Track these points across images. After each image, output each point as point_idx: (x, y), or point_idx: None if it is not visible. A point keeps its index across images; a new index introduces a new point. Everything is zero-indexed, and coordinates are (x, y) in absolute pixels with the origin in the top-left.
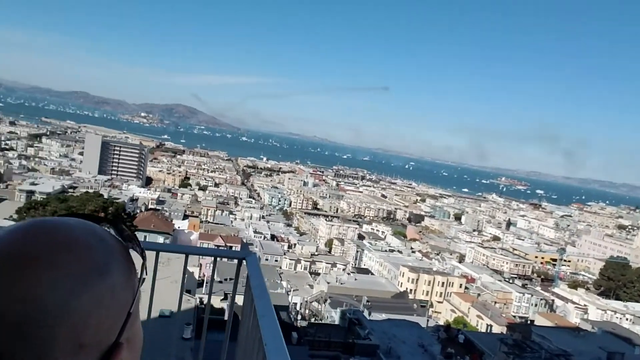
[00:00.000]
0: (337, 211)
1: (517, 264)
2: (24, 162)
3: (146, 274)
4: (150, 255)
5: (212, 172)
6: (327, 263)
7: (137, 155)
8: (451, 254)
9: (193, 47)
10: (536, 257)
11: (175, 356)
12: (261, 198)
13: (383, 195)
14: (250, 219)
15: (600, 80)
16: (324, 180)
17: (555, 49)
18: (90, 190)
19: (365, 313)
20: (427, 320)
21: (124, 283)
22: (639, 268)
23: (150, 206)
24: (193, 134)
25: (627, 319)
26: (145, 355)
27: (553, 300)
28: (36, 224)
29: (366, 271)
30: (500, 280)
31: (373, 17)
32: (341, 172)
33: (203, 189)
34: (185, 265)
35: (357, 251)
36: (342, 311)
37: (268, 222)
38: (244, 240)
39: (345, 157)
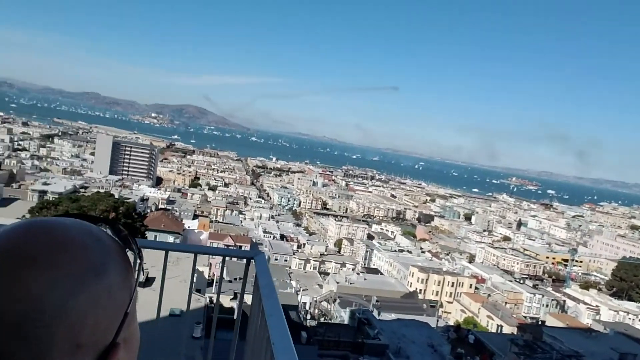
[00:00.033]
0: (346, 211)
1: (527, 265)
2: (36, 163)
3: (143, 274)
4: (159, 254)
5: (221, 172)
6: (336, 263)
7: (147, 155)
8: (461, 254)
9: (203, 48)
10: (547, 257)
11: (185, 355)
12: (270, 198)
13: (392, 195)
14: (260, 218)
15: (613, 80)
16: (333, 180)
17: (567, 48)
18: (102, 190)
19: (375, 313)
20: (437, 321)
21: (121, 283)
22: None
23: (160, 206)
24: (203, 134)
25: (639, 320)
26: (156, 354)
27: (564, 301)
28: (33, 224)
29: (375, 271)
30: (510, 281)
31: (382, 17)
32: (350, 172)
33: (213, 189)
34: (194, 264)
35: (367, 251)
36: (351, 311)
37: (277, 222)
38: (254, 240)
39: (354, 157)
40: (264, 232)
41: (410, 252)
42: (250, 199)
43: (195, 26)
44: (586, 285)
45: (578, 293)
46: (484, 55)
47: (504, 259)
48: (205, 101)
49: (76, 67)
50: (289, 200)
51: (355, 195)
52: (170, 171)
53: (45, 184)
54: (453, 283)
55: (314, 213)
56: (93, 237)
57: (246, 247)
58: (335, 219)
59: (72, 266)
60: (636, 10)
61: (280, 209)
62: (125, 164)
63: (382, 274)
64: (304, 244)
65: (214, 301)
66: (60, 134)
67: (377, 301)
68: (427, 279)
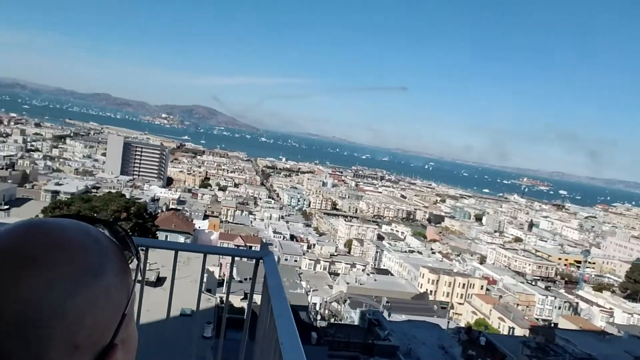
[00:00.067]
0: (356, 211)
1: (539, 266)
2: (49, 163)
3: (141, 275)
4: (169, 254)
5: (231, 172)
6: (346, 263)
7: (158, 155)
8: (472, 255)
9: (212, 48)
10: (559, 259)
11: (196, 354)
12: (280, 198)
13: (402, 196)
14: (270, 219)
15: (626, 79)
16: (343, 180)
17: (579, 46)
18: (113, 191)
19: (385, 314)
20: (448, 322)
21: (119, 284)
22: None
23: (171, 206)
24: (213, 135)
25: None
26: (168, 353)
27: (577, 303)
28: (31, 225)
29: (386, 272)
30: (522, 282)
31: (391, 17)
32: (360, 172)
33: (223, 189)
34: (203, 264)
35: (377, 252)
36: (361, 312)
37: (287, 222)
38: (264, 241)
39: (364, 157)
40: (274, 232)
41: (420, 252)
42: (260, 199)
43: (204, 27)
44: (599, 287)
45: (591, 295)
46: (494, 55)
47: (516, 260)
48: (215, 102)
49: (87, 69)
50: (298, 201)
51: (365, 196)
52: (181, 171)
53: (57, 184)
54: (464, 284)
55: (324, 213)
56: (91, 238)
57: (256, 247)
58: (345, 220)
59: (70, 267)
60: None
61: (290, 210)
62: (136, 165)
63: (392, 274)
64: (314, 245)
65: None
66: (72, 134)
67: (387, 302)
68: (437, 280)
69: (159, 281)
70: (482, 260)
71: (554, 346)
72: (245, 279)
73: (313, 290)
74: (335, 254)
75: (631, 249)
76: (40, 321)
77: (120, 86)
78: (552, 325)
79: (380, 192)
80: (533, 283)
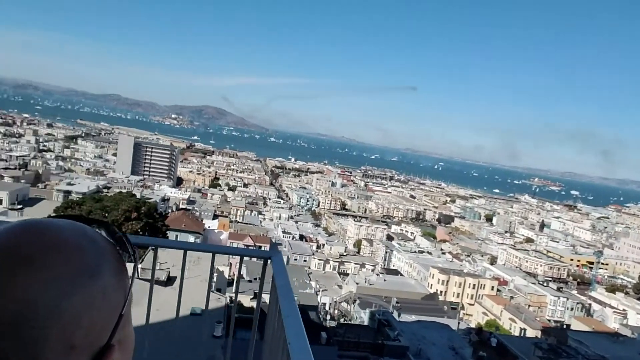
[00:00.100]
0: (365, 212)
1: (551, 267)
2: (61, 163)
3: (138, 276)
4: (179, 254)
5: (241, 172)
6: (355, 264)
7: (168, 156)
8: (482, 256)
9: (221, 49)
10: (572, 259)
11: (206, 353)
12: (289, 198)
13: (412, 196)
14: (279, 219)
15: (638, 78)
16: (352, 180)
17: (591, 45)
18: (124, 191)
19: (395, 314)
20: (458, 323)
21: (116, 284)
22: None
23: (181, 206)
24: (222, 135)
25: None
26: (179, 352)
27: (590, 305)
28: (27, 225)
29: (395, 272)
30: (534, 283)
31: (401, 17)
32: (369, 172)
33: (232, 189)
34: (212, 263)
35: (386, 252)
36: (371, 312)
37: (296, 222)
38: (273, 240)
39: (373, 157)
40: (283, 232)
41: (430, 253)
42: (270, 199)
43: (214, 28)
44: (612, 289)
45: (604, 296)
46: (504, 54)
47: (527, 261)
48: (224, 102)
49: (98, 70)
50: (307, 201)
51: (374, 196)
52: (190, 171)
53: (69, 184)
54: (474, 285)
55: (333, 213)
56: (87, 239)
57: (266, 247)
58: (354, 220)
59: (66, 267)
60: None
61: (299, 209)
62: (146, 165)
63: (402, 275)
64: (323, 245)
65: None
66: (83, 135)
67: (397, 302)
68: (447, 281)
69: (170, 280)
70: (493, 260)
71: (566, 348)
72: (255, 279)
73: (322, 290)
74: (345, 254)
75: None
76: (36, 321)
77: (131, 87)
78: (565, 326)
79: (390, 192)
80: (545, 284)
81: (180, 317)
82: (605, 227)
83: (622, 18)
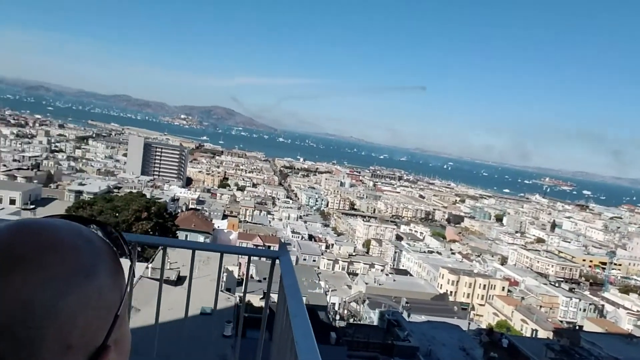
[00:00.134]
0: (374, 212)
1: (563, 267)
2: (72, 164)
3: (134, 276)
4: (188, 253)
5: (250, 172)
6: (365, 264)
7: (177, 156)
8: (492, 256)
9: (230, 49)
10: (584, 260)
11: (216, 353)
12: (298, 198)
13: (421, 196)
14: (288, 219)
15: None
16: (360, 180)
17: (600, 45)
18: (134, 191)
19: (404, 314)
20: (469, 324)
21: (112, 285)
22: None
23: (190, 206)
24: (231, 135)
25: None
26: (189, 351)
27: (603, 306)
28: (23, 225)
29: (405, 272)
30: (545, 284)
31: (409, 17)
32: (378, 172)
33: (241, 189)
34: (220, 263)
35: (395, 252)
36: (380, 312)
37: (305, 222)
38: (282, 240)
39: (382, 157)
40: (292, 232)
41: (440, 253)
42: (279, 199)
43: (222, 28)
44: (626, 290)
45: (617, 297)
46: (514, 53)
47: (538, 261)
48: (233, 102)
49: (108, 71)
50: (316, 201)
51: (383, 196)
52: (200, 172)
53: (81, 184)
54: (485, 285)
55: (342, 213)
56: (83, 238)
57: (275, 247)
58: (363, 220)
59: (62, 267)
60: None
61: (308, 209)
62: (156, 165)
63: (411, 275)
64: (332, 245)
65: (245, 300)
66: (94, 135)
67: (406, 302)
68: (457, 281)
69: (180, 280)
70: (503, 261)
71: (579, 349)
72: (264, 278)
73: (332, 291)
74: (354, 254)
75: None
76: (32, 321)
77: (141, 88)
78: (577, 327)
79: (399, 192)
80: (556, 285)
81: (191, 317)
82: (618, 227)
83: (632, 15)
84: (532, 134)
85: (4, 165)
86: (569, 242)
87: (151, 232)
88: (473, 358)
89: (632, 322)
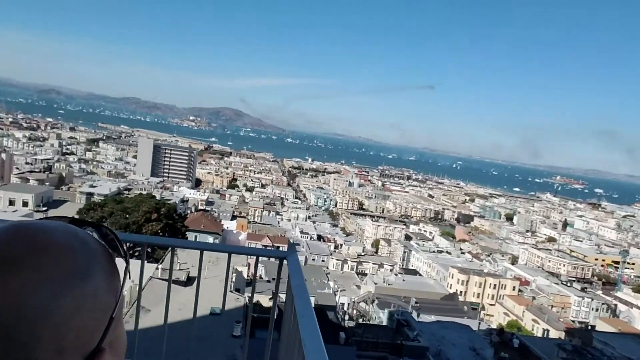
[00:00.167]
0: (383, 211)
1: (575, 267)
2: (83, 166)
3: (129, 278)
4: (196, 254)
5: (258, 173)
6: (373, 264)
7: (186, 157)
8: (503, 256)
9: (238, 51)
10: (596, 259)
11: (226, 353)
12: (307, 199)
13: (430, 195)
14: (297, 219)
15: None
16: (369, 180)
17: (611, 42)
18: (144, 192)
19: (414, 314)
20: (479, 324)
21: (107, 287)
22: None
23: (200, 207)
24: (239, 136)
25: None
26: (198, 351)
27: (616, 305)
28: (17, 227)
29: (414, 272)
30: (556, 283)
31: (418, 16)
32: (387, 172)
33: (250, 190)
34: (228, 263)
35: (405, 252)
36: (390, 312)
37: (314, 222)
38: (291, 241)
39: (390, 157)
40: (301, 232)
41: (449, 253)
42: (287, 199)
43: (230, 30)
44: (639, 289)
45: (631, 297)
46: (524, 52)
47: (549, 261)
48: (241, 103)
49: (118, 74)
50: (325, 201)
51: (392, 196)
52: (209, 173)
53: (91, 186)
54: (495, 285)
55: (351, 213)
56: (78, 240)
57: (284, 247)
58: (372, 220)
59: (57, 269)
60: None
61: (316, 210)
62: (165, 167)
63: (420, 275)
64: (341, 245)
65: (254, 301)
66: (104, 138)
67: (416, 302)
68: (467, 281)
69: (189, 280)
70: (514, 260)
71: (591, 349)
72: (273, 279)
73: (341, 291)
74: (363, 254)
75: None
76: (27, 324)
77: (149, 90)
78: (589, 327)
79: (407, 192)
80: (568, 284)
81: (200, 317)
82: (631, 226)
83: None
84: (542, 132)
85: (17, 168)
86: (581, 241)
87: (161, 233)
88: (483, 358)
89: None
